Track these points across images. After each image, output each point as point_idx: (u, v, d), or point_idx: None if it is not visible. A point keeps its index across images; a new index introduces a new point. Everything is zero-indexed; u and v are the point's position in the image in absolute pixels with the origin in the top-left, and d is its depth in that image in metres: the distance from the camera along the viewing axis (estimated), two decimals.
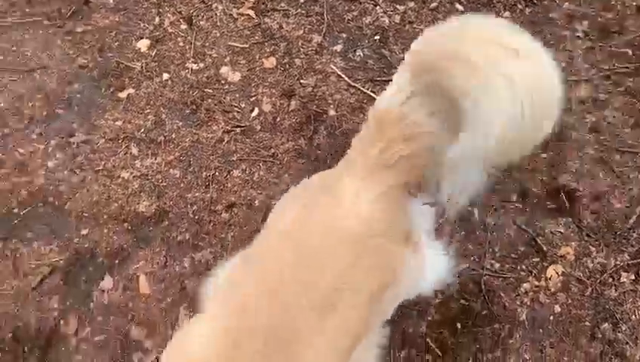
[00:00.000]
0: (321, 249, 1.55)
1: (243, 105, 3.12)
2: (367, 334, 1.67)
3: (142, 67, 3.24)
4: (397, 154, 1.56)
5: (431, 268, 2.01)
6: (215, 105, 3.12)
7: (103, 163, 2.96)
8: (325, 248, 1.55)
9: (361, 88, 3.14)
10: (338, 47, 3.30)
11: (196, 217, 2.79)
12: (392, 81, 1.58)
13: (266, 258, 1.60)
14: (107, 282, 2.62)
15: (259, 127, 3.05)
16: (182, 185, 2.88)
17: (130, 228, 2.76)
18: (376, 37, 3.33)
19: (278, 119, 3.07)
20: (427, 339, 2.41)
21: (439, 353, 2.38)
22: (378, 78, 3.18)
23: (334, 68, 3.23)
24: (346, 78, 3.18)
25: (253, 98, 3.14)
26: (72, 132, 3.06)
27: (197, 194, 2.85)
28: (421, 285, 2.02)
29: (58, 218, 2.80)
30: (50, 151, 3.00)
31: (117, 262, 2.67)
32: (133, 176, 2.91)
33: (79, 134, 3.06)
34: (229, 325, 1.49)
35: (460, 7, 3.41)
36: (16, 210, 2.83)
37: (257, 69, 3.25)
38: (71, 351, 2.46)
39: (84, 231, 2.75)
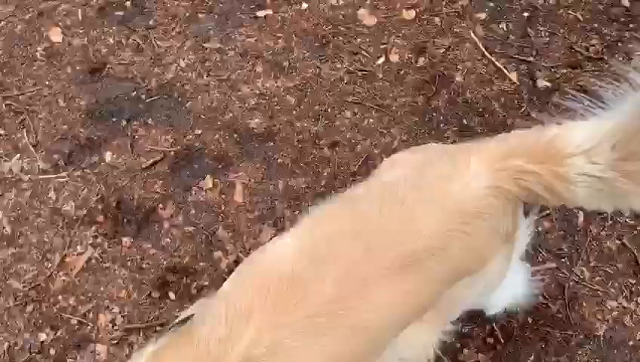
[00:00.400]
0: (423, 210, 1.51)
1: (371, 51, 3.11)
2: (424, 314, 1.62)
3: None
4: (535, 180, 1.51)
5: (511, 282, 1.96)
6: (344, 44, 3.14)
7: (228, 74, 3.10)
8: (428, 210, 1.51)
9: (495, 62, 3.02)
10: (482, 15, 3.18)
11: (300, 146, 2.86)
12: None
13: (364, 201, 1.59)
14: (207, 182, 2.78)
15: (381, 76, 3.04)
16: (294, 112, 2.96)
17: (238, 139, 2.89)
18: (525, 14, 3.16)
19: (403, 72, 3.04)
20: (494, 324, 2.36)
21: (502, 339, 2.34)
22: (515, 56, 3.04)
23: (472, 35, 3.12)
24: (482, 48, 3.07)
25: (383, 46, 3.12)
26: (207, 37, 3.21)
27: (305, 124, 2.92)
28: (495, 294, 1.98)
29: (178, 113, 2.99)
30: (185, 51, 3.18)
31: (220, 166, 2.83)
32: (253, 93, 3.02)
33: (213, 41, 3.20)
34: (311, 250, 1.52)
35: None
36: (144, 96, 3.05)
37: (395, 18, 3.21)
38: (162, 233, 2.67)
39: (197, 131, 2.93)
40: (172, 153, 2.87)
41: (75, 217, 2.72)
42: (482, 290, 1.85)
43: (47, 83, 3.11)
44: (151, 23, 3.27)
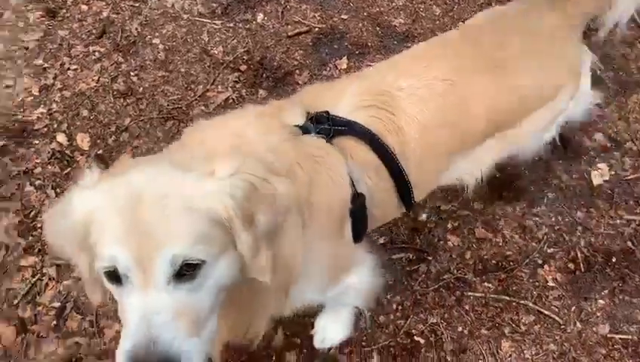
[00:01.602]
0: (512, 32, 1.87)
1: None
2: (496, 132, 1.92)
3: None
4: None
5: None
6: None
7: None
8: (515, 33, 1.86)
9: None
10: None
11: None
12: None
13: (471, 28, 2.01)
14: (343, 62, 2.99)
15: None
16: (437, 22, 3.10)
17: (380, 33, 3.07)
18: None
19: None
20: (578, 252, 2.51)
21: (582, 268, 2.48)
22: None
23: None
24: None
25: None
26: None
27: None
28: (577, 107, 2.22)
29: None
30: None
31: (357, 52, 3.02)
32: None
33: None
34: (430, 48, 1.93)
35: None
36: None
37: None
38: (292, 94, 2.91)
39: (344, 16, 3.12)
40: (317, 29, 3.08)
41: (221, 61, 2.99)
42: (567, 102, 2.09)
43: None
44: None
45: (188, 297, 1.15)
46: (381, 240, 2.54)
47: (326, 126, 1.62)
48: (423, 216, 2.60)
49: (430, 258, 2.51)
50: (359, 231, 1.75)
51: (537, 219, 2.61)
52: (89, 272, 1.26)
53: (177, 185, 1.19)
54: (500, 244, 2.56)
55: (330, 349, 2.28)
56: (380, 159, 1.69)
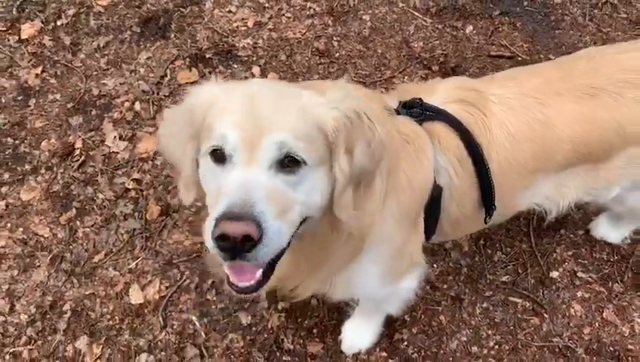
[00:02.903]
0: (606, 62, 1.77)
1: None
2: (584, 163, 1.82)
3: None
4: None
5: None
6: None
7: None
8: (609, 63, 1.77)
9: None
10: None
11: None
12: None
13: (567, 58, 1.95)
14: None
15: None
16: None
17: None
18: None
19: None
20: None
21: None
22: None
23: None
24: None
25: None
26: None
27: None
28: None
29: (542, 30, 3.14)
30: None
31: None
32: None
33: None
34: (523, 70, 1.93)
35: None
36: (525, 2, 3.24)
37: None
38: None
39: (552, 56, 3.06)
40: (520, 58, 3.06)
41: (417, 55, 3.09)
42: None
43: None
44: None
45: (282, 188, 1.22)
46: (504, 278, 2.48)
47: (418, 110, 1.65)
48: (555, 274, 2.50)
49: (547, 316, 2.41)
50: (429, 229, 1.75)
51: None
52: (190, 168, 1.36)
53: (293, 92, 1.32)
54: (626, 335, 2.38)
55: (358, 353, 2.30)
56: (467, 151, 1.67)
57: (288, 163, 1.23)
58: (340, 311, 2.38)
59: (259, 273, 1.28)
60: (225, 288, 1.36)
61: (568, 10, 3.24)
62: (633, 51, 1.80)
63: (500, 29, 3.18)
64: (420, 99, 1.69)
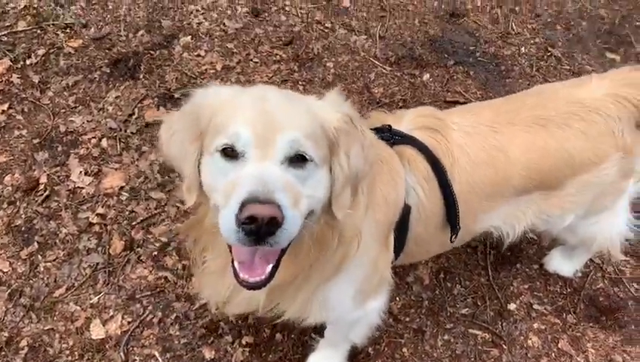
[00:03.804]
0: (552, 98, 1.93)
1: None
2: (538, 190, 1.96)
3: None
4: None
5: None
6: None
7: None
8: (555, 98, 1.92)
9: None
10: None
11: None
12: None
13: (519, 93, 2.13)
14: None
15: None
16: None
17: None
18: None
19: None
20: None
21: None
22: None
23: None
24: None
25: None
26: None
27: None
28: (603, 220, 2.17)
29: (494, 80, 3.36)
30: (526, 41, 3.53)
31: None
32: None
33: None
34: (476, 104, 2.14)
35: None
36: (478, 54, 3.48)
37: None
38: None
39: None
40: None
41: (378, 100, 3.25)
42: (593, 200, 2.03)
43: (412, 5, 3.70)
44: None
45: (293, 181, 1.29)
46: (464, 311, 2.55)
47: (387, 134, 1.78)
48: (513, 306, 2.59)
49: (506, 347, 2.48)
50: (397, 248, 1.83)
51: (627, 357, 2.49)
52: (193, 168, 1.41)
53: (298, 96, 1.45)
54: None
55: None
56: (433, 173, 1.79)
57: (297, 160, 1.31)
58: (304, 346, 2.39)
59: (269, 268, 1.34)
60: (236, 279, 1.38)
61: (517, 62, 3.50)
62: (577, 87, 1.98)
63: (455, 77, 3.39)
64: (389, 125, 1.81)
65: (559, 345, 2.50)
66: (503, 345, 2.48)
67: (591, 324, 2.57)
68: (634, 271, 2.74)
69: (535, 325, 2.56)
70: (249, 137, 1.29)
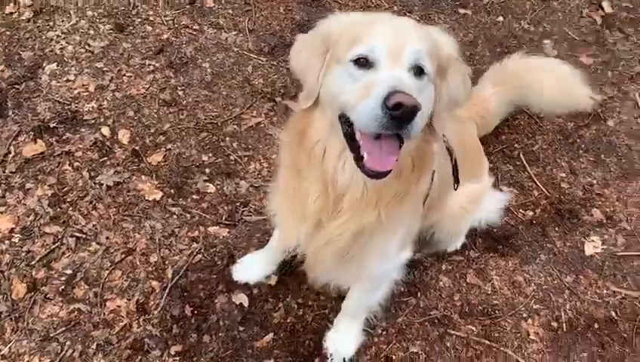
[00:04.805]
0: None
1: None
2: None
3: None
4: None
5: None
6: None
7: None
8: None
9: None
10: None
11: None
12: None
13: None
14: None
15: None
16: None
17: None
18: None
19: None
20: (563, 312, 2.60)
21: (564, 328, 2.57)
22: None
23: (637, 96, 3.42)
24: None
25: None
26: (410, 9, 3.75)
27: None
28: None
29: None
30: None
31: None
32: None
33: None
34: None
35: None
36: None
37: (572, 59, 3.58)
38: None
39: None
40: None
41: (260, 91, 3.31)
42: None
43: None
44: None
45: (415, 87, 1.44)
46: None
47: None
48: (418, 255, 2.76)
49: (420, 293, 2.65)
50: None
51: (527, 276, 2.75)
52: (316, 78, 1.58)
53: (416, 22, 1.62)
54: (489, 293, 2.69)
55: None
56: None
57: (417, 72, 1.48)
58: (234, 340, 2.42)
59: (393, 159, 1.43)
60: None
61: None
62: None
63: None
64: None
65: (467, 280, 2.71)
66: (418, 291, 2.65)
67: (491, 254, 2.80)
68: (517, 198, 3.01)
69: (443, 267, 2.75)
70: (384, 49, 1.45)
